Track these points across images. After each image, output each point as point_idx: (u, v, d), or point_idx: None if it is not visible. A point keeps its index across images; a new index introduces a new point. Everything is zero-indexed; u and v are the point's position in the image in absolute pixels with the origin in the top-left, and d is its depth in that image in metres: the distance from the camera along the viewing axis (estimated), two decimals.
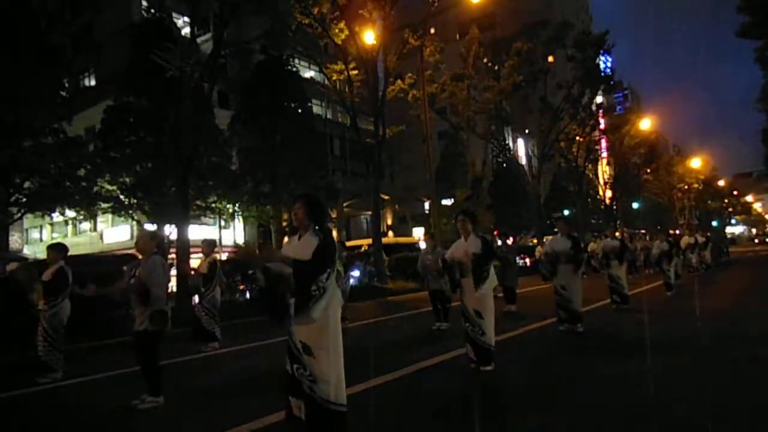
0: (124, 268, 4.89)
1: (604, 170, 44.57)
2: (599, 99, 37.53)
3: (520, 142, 47.91)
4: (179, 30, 21.07)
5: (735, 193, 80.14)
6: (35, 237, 30.64)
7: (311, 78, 32.31)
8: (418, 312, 11.06)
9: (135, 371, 6.32)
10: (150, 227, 19.33)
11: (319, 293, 3.07)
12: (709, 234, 28.08)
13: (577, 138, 35.52)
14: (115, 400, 4.86)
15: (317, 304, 3.07)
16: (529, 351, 6.44)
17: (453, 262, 5.38)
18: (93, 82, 30.75)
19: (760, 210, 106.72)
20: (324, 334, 3.15)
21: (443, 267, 5.82)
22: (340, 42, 19.66)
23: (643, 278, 14.63)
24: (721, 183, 68.72)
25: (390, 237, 20.66)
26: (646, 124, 39.95)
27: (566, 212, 41.76)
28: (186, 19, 21.15)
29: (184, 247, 14.05)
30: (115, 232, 25.58)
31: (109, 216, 21.52)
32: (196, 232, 18.55)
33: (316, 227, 3.34)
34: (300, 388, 3.13)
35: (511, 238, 14.76)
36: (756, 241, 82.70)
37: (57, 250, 6.24)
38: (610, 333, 7.55)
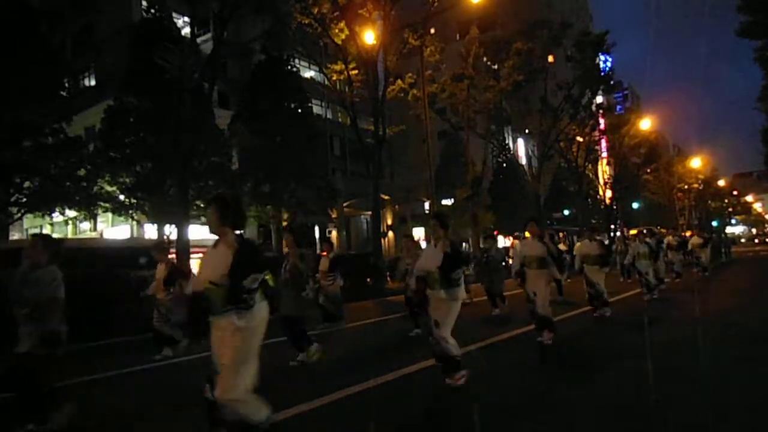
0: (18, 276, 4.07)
1: (604, 170, 44.55)
2: (599, 99, 37.53)
3: (520, 142, 47.94)
4: (179, 30, 21.08)
5: (735, 193, 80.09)
6: None
7: (311, 78, 32.31)
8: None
9: (140, 370, 6.36)
10: (150, 227, 19.35)
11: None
12: (713, 234, 27.79)
13: (577, 138, 35.51)
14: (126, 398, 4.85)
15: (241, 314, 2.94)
16: (514, 356, 6.30)
17: (423, 273, 4.83)
18: (93, 82, 30.73)
19: (760, 210, 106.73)
20: (229, 348, 2.96)
21: (416, 280, 5.00)
22: (340, 42, 19.65)
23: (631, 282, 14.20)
24: (721, 183, 68.68)
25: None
26: (646, 124, 39.91)
27: (566, 212, 41.80)
28: (186, 19, 21.21)
29: (184, 247, 14.07)
30: (115, 232, 25.57)
31: (109, 216, 21.54)
32: (196, 232, 18.55)
33: (233, 231, 3.13)
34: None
35: (510, 239, 14.57)
36: (756, 241, 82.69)
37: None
38: (601, 336, 7.53)
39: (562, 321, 8.01)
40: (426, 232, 40.09)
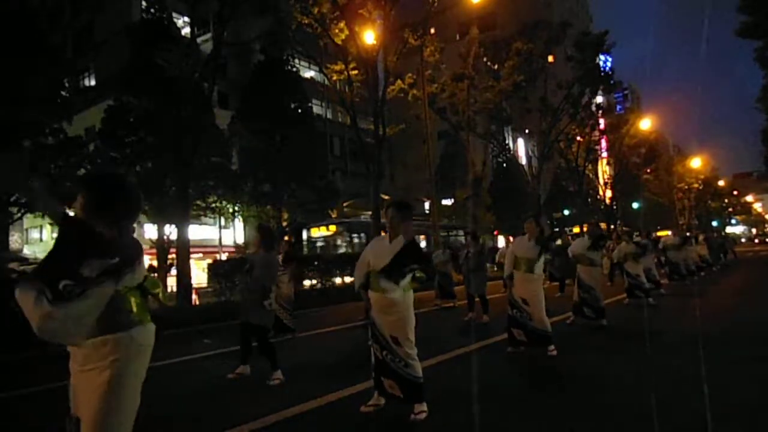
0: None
1: (604, 170, 44.59)
2: (599, 99, 37.55)
3: (520, 142, 47.92)
4: (179, 30, 21.08)
5: (735, 193, 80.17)
6: (35, 237, 30.63)
7: (311, 78, 32.32)
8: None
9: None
10: (150, 227, 19.36)
11: None
12: (714, 234, 27.56)
13: (577, 138, 35.54)
14: None
15: None
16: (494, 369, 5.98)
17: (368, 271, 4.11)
18: (93, 82, 30.76)
19: (760, 210, 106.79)
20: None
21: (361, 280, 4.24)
22: (340, 42, 19.64)
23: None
24: (721, 183, 68.74)
25: None
26: (646, 124, 39.96)
27: (566, 212, 41.81)
28: (186, 19, 21.20)
29: (184, 247, 14.07)
30: None
31: None
32: (196, 232, 18.55)
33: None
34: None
35: (511, 238, 14.33)
36: (756, 241, 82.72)
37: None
38: (590, 340, 7.51)
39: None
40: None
